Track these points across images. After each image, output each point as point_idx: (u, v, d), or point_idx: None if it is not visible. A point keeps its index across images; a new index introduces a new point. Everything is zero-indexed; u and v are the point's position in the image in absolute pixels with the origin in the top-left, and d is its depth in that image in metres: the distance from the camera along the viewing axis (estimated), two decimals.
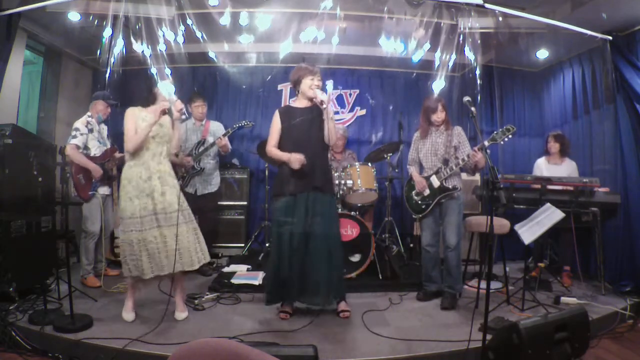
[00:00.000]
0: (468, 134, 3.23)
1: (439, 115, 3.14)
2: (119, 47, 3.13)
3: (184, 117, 2.76)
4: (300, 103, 2.90)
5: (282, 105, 5.12)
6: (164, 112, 2.62)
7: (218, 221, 4.38)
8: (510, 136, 2.88)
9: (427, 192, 3.17)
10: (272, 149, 2.86)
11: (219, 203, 4.61)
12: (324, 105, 2.70)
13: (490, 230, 2.16)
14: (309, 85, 2.79)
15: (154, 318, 2.71)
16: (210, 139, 3.82)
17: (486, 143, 2.84)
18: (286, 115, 2.86)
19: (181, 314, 2.75)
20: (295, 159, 2.69)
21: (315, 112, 2.82)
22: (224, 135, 3.80)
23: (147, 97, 2.77)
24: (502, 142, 2.90)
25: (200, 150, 3.81)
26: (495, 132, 2.93)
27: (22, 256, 2.96)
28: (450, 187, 3.08)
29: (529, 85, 4.98)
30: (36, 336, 2.45)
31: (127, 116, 2.68)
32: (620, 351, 2.58)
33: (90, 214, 3.39)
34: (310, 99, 2.82)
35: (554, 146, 3.88)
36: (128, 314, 2.70)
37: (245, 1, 3.40)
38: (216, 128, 3.95)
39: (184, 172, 3.81)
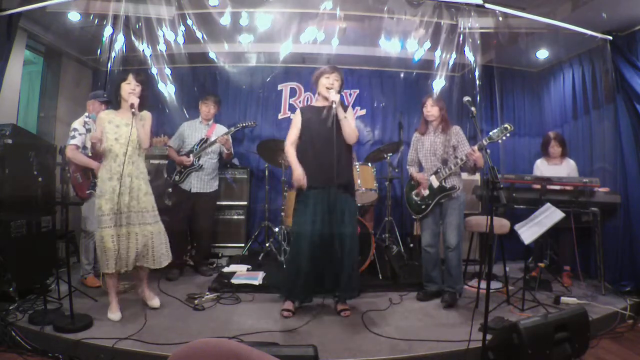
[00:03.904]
0: (468, 134, 3.24)
1: (427, 110, 3.17)
2: (119, 46, 3.13)
3: (133, 110, 2.70)
4: (319, 102, 2.98)
5: (282, 105, 5.14)
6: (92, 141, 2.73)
7: (214, 222, 4.30)
8: (507, 135, 2.88)
9: (426, 192, 3.17)
10: (289, 147, 2.95)
11: (220, 203, 4.61)
12: (334, 105, 2.78)
13: (490, 230, 2.16)
14: (324, 84, 2.88)
15: (154, 318, 2.73)
16: (213, 139, 3.81)
17: (484, 142, 2.84)
18: (307, 114, 2.95)
19: (154, 301, 2.93)
20: (298, 179, 2.81)
21: (335, 112, 2.87)
22: (226, 133, 3.79)
23: (115, 100, 2.83)
24: (500, 141, 2.90)
25: (201, 146, 3.79)
26: (492, 131, 2.94)
27: (22, 256, 2.95)
28: (448, 187, 3.08)
29: (529, 85, 4.97)
30: (36, 336, 2.45)
31: (97, 121, 2.81)
32: (620, 351, 2.58)
33: (90, 213, 3.37)
34: (326, 99, 2.88)
35: (557, 150, 3.86)
36: (114, 314, 2.71)
37: (245, 1, 3.40)
38: (221, 132, 3.91)
39: (182, 167, 3.80)
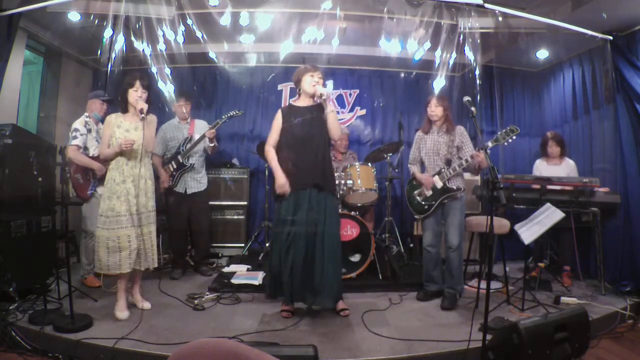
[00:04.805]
0: (468, 134, 3.23)
1: (432, 109, 3.16)
2: (119, 46, 3.13)
3: (142, 115, 2.73)
4: (302, 102, 2.93)
5: (282, 105, 5.14)
6: (126, 146, 2.72)
7: (210, 220, 4.31)
8: (514, 137, 2.88)
9: (429, 192, 3.17)
10: (270, 149, 2.91)
11: (220, 203, 4.62)
12: (324, 97, 2.76)
13: (490, 230, 2.16)
14: (310, 82, 2.84)
15: (153, 318, 2.73)
16: (196, 136, 3.77)
17: (490, 144, 2.84)
18: (288, 114, 2.89)
19: (145, 303, 2.94)
20: (282, 185, 2.77)
21: (317, 110, 2.85)
22: (214, 126, 3.73)
23: (121, 104, 2.85)
24: (505, 143, 2.90)
25: (187, 147, 3.75)
26: (499, 132, 2.94)
27: (22, 256, 2.96)
28: (454, 187, 3.08)
29: (529, 85, 4.98)
30: (36, 336, 2.46)
31: (105, 124, 2.85)
32: (620, 351, 2.58)
33: (90, 214, 3.38)
34: (312, 97, 2.86)
35: (555, 150, 3.86)
36: (122, 313, 2.74)
37: (246, 1, 3.40)
38: (202, 126, 3.88)
39: (173, 170, 3.77)
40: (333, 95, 5.12)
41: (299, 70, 2.91)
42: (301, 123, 2.82)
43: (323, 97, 2.76)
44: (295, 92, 5.05)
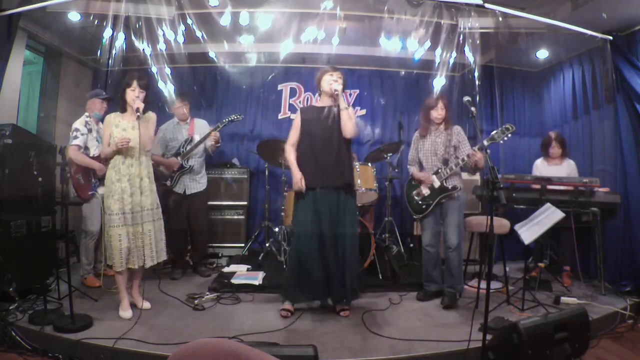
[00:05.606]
0: (468, 134, 3.23)
1: (439, 112, 3.15)
2: (119, 45, 3.13)
3: (137, 114, 2.74)
4: (322, 102, 2.98)
5: (282, 105, 5.15)
6: (121, 144, 2.73)
7: (210, 220, 4.31)
8: (509, 135, 2.89)
9: (427, 192, 3.17)
10: (289, 149, 2.97)
11: (220, 203, 4.63)
12: (336, 92, 2.80)
13: (490, 230, 2.16)
14: (328, 81, 2.88)
15: (153, 318, 2.73)
16: (197, 137, 3.76)
17: (485, 142, 2.84)
18: (307, 113, 2.96)
19: (145, 303, 2.94)
20: (297, 182, 2.83)
21: (336, 110, 2.87)
22: (215, 129, 3.75)
23: (120, 103, 2.87)
24: (501, 142, 2.91)
25: (188, 148, 3.75)
26: (494, 131, 2.94)
27: (22, 256, 2.96)
28: (450, 187, 3.08)
29: (529, 85, 4.98)
30: (36, 336, 2.46)
31: (104, 124, 2.88)
32: (620, 351, 2.58)
33: (90, 214, 3.38)
34: (331, 96, 2.89)
35: (557, 151, 3.86)
36: (125, 312, 2.76)
37: (246, 1, 3.40)
38: (201, 125, 3.89)
39: (173, 171, 3.76)
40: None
41: (319, 72, 2.97)
42: (320, 123, 2.86)
43: (336, 93, 2.80)
44: (295, 91, 5.15)
